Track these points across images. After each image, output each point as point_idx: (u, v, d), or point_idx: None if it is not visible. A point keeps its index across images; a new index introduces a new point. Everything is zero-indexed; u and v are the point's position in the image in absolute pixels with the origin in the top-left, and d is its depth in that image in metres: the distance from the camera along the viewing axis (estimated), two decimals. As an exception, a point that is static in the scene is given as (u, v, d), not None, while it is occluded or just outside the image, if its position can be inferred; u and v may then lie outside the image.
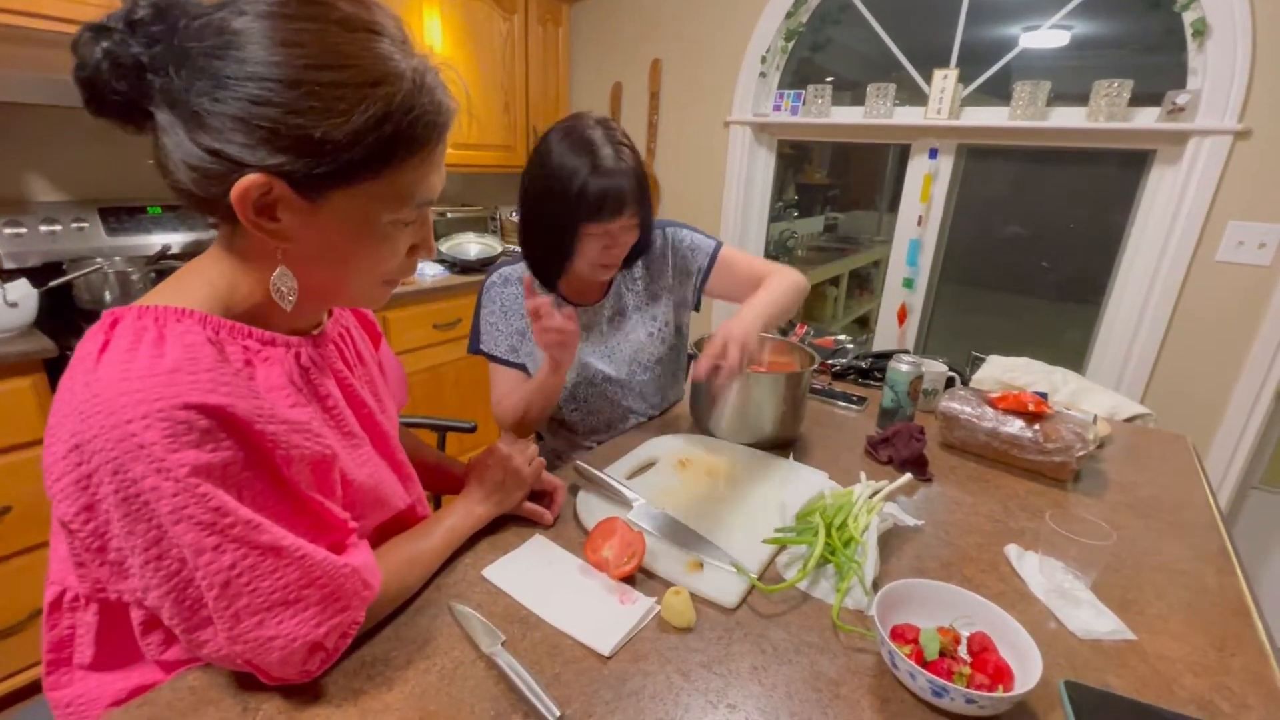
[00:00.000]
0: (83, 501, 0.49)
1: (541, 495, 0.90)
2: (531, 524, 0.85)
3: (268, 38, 0.48)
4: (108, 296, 1.67)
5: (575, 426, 1.27)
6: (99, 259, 1.71)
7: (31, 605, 1.46)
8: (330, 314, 0.69)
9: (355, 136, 0.50)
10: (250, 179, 0.49)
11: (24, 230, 1.65)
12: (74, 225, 1.74)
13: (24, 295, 1.42)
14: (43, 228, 1.68)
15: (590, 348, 1.21)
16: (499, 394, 1.17)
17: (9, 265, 1.62)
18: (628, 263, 1.17)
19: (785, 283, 1.15)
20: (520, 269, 1.18)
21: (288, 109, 0.48)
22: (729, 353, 0.94)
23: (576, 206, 0.98)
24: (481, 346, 1.17)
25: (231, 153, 0.48)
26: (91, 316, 1.60)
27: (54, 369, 1.41)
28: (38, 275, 1.59)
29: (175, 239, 1.89)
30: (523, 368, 1.18)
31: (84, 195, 1.82)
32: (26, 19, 1.41)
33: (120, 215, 1.83)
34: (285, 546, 0.51)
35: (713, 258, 1.23)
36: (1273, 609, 2.11)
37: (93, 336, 0.51)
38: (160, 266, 1.77)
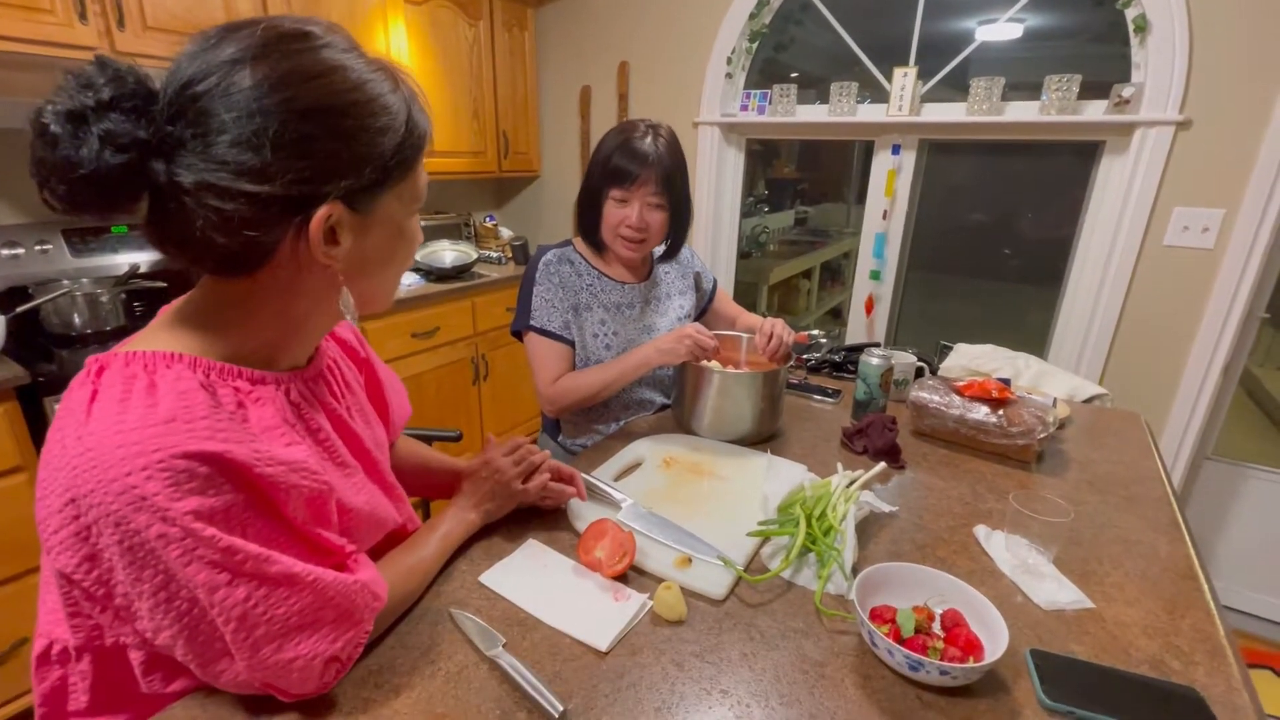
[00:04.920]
0: (84, 553, 0.49)
1: (559, 479, 0.92)
2: (523, 529, 0.88)
3: (289, 75, 0.49)
4: (77, 320, 1.64)
5: (592, 411, 1.31)
6: (66, 281, 1.68)
7: (9, 638, 1.44)
8: (317, 348, 0.70)
9: (397, 145, 0.55)
10: (323, 211, 0.51)
11: (-15, 255, 1.62)
12: (37, 248, 1.71)
13: (-9, 322, 1.39)
14: (5, 251, 1.65)
15: (633, 325, 1.30)
16: (550, 373, 1.22)
17: (-28, 291, 1.59)
18: (668, 255, 1.34)
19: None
20: (569, 251, 1.28)
21: (336, 135, 0.51)
22: (765, 328, 1.19)
23: (603, 172, 1.18)
24: (533, 322, 1.22)
25: (293, 193, 0.50)
26: (61, 341, 1.61)
27: (25, 396, 1.39)
28: (2, 300, 1.56)
29: (142, 258, 1.86)
30: (572, 345, 1.25)
31: (46, 216, 1.78)
32: (-20, 40, 1.38)
33: (85, 235, 1.80)
34: (297, 573, 0.53)
35: (715, 287, 1.51)
36: (1229, 572, 2.21)
37: (79, 385, 0.51)
38: (130, 287, 1.75)
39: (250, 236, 0.51)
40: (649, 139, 1.16)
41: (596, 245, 1.27)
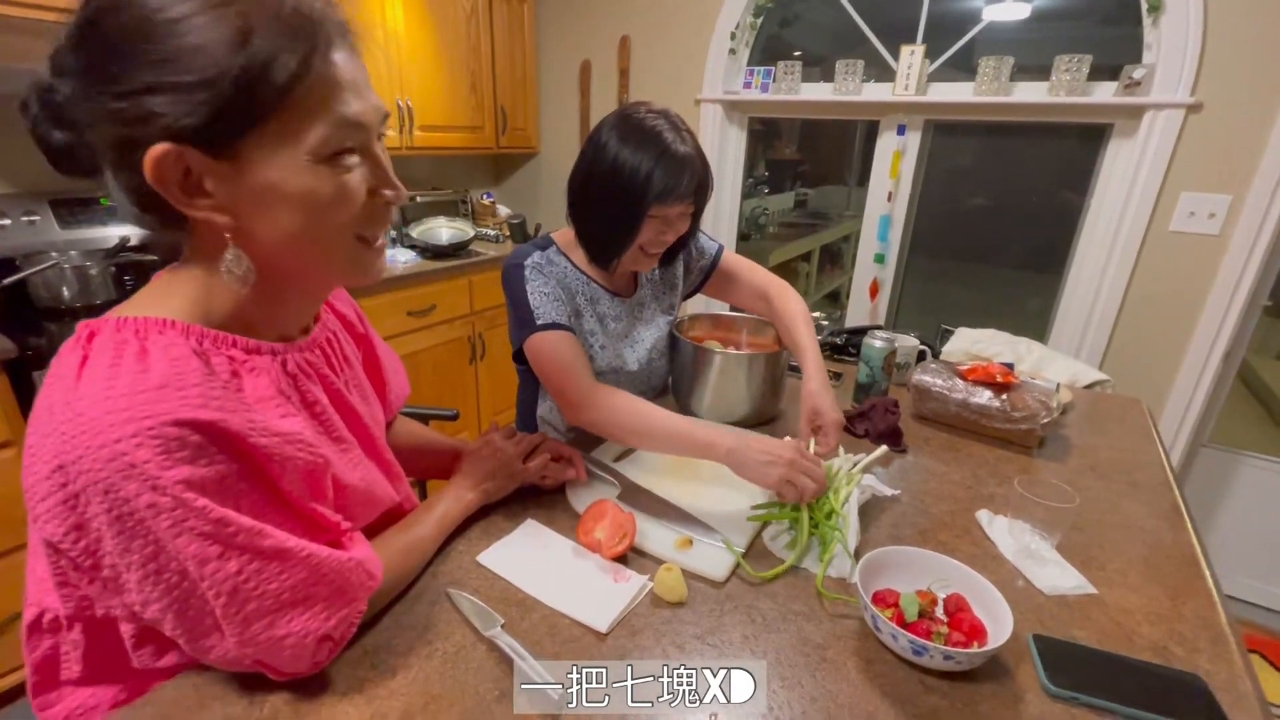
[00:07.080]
0: (72, 521, 0.48)
1: (559, 460, 0.91)
2: (522, 509, 0.87)
3: (100, 9, 0.46)
4: (66, 293, 1.61)
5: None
6: (54, 253, 1.64)
7: (5, 611, 1.43)
8: (317, 319, 0.68)
9: (221, 66, 0.45)
10: (156, 150, 0.46)
11: (-29, 225, 1.58)
12: (24, 219, 1.67)
13: (-23, 294, 1.36)
14: (-9, 222, 1.61)
15: (617, 340, 1.16)
16: (583, 373, 0.98)
17: (-43, 262, 1.55)
18: (668, 256, 1.13)
19: (808, 321, 1.17)
20: (552, 253, 1.09)
21: (145, 61, 0.45)
22: (831, 437, 0.99)
23: (645, 192, 0.97)
24: (540, 321, 1.00)
25: (122, 134, 0.47)
26: (50, 314, 1.58)
27: (14, 370, 1.37)
28: (-11, 272, 1.53)
29: (132, 230, 1.83)
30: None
31: (33, 187, 1.74)
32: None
33: (73, 207, 1.76)
34: (290, 548, 0.51)
35: (715, 262, 1.27)
36: (1223, 557, 2.23)
37: (69, 350, 0.49)
38: (120, 260, 1.71)
39: (123, 183, 0.50)
40: (675, 139, 0.97)
41: (604, 262, 1.07)
